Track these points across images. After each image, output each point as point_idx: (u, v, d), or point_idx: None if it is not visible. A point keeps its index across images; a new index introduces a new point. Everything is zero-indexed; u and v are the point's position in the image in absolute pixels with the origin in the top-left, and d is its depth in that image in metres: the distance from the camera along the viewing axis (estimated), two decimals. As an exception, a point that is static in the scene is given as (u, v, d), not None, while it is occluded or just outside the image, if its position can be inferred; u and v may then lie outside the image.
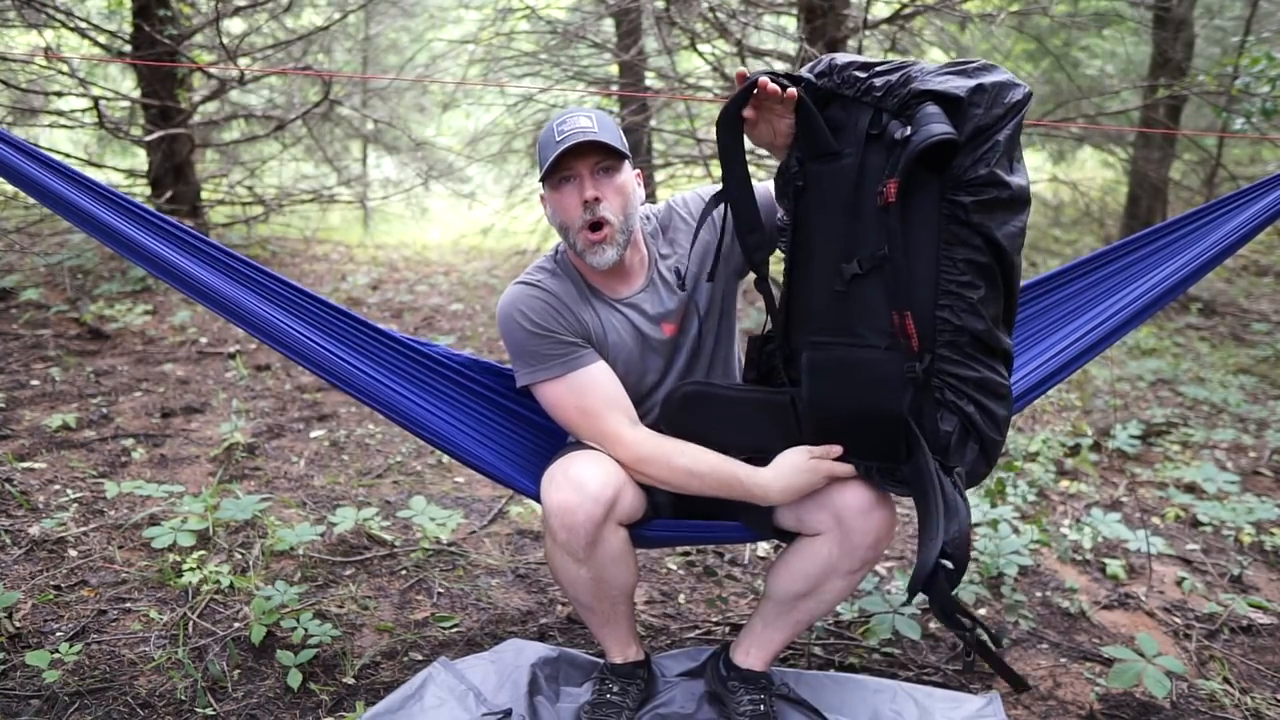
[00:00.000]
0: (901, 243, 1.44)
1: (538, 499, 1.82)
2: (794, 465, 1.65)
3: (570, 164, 1.69)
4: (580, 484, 1.63)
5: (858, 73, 1.48)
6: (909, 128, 1.39)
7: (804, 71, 1.54)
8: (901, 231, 1.44)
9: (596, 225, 1.69)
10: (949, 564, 1.46)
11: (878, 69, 1.48)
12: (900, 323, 1.46)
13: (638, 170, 1.83)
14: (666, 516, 1.85)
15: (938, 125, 1.36)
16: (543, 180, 1.75)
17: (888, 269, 1.46)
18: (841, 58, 1.52)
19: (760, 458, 1.70)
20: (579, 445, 1.79)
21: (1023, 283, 1.89)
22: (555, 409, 1.76)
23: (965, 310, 1.45)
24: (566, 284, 1.79)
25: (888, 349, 1.51)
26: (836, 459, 1.64)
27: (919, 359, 1.47)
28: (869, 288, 1.50)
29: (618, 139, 1.72)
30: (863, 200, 1.48)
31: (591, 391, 1.73)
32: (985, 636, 1.58)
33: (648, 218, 1.89)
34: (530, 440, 1.98)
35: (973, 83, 1.39)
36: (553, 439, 1.99)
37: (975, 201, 1.41)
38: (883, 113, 1.45)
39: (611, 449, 1.71)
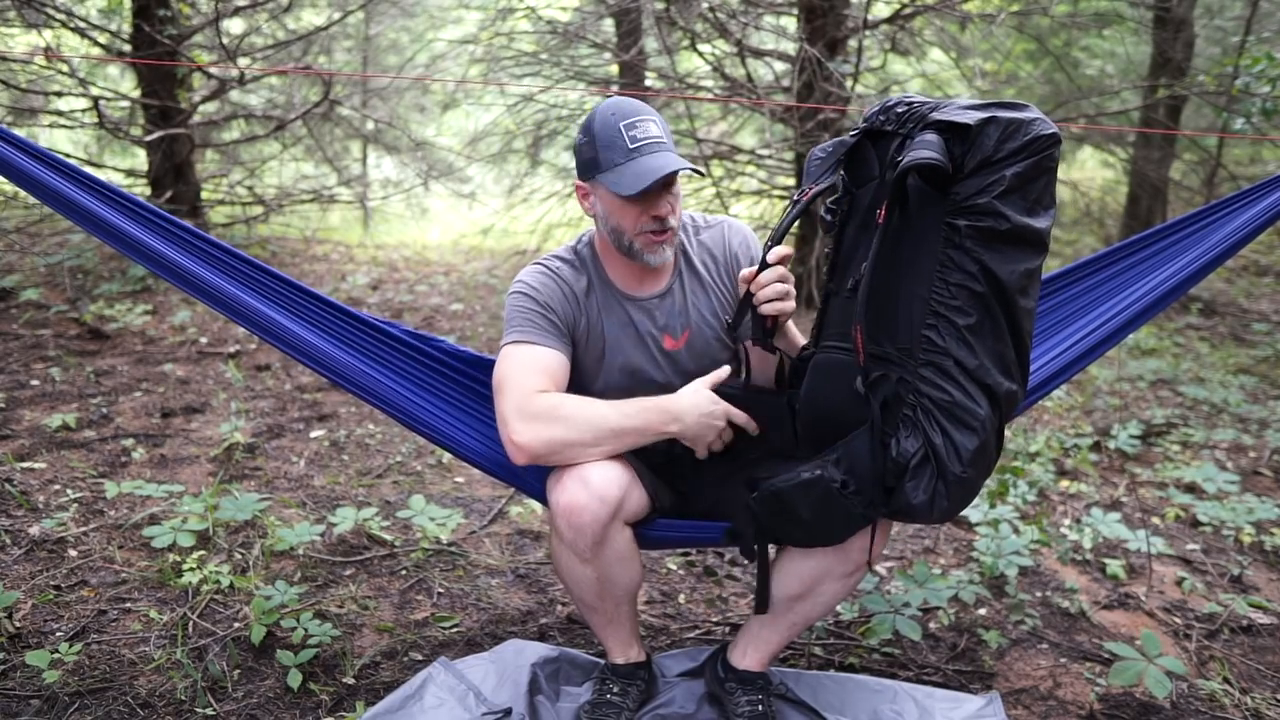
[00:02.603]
0: (887, 260, 1.48)
1: (541, 498, 1.82)
2: (701, 397, 1.70)
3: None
4: (587, 483, 1.63)
5: (899, 109, 1.55)
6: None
7: (869, 110, 1.63)
8: (894, 251, 1.48)
9: (661, 230, 1.72)
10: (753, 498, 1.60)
11: (917, 102, 1.54)
12: (854, 334, 1.50)
13: None
14: (669, 516, 1.85)
15: (924, 151, 1.40)
16: (594, 178, 1.71)
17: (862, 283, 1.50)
18: (897, 98, 1.58)
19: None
20: None
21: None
22: (502, 369, 1.71)
23: (952, 335, 1.46)
24: (581, 277, 1.81)
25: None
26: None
27: (864, 374, 1.51)
28: None
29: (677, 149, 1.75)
30: (871, 215, 1.55)
31: (536, 361, 1.71)
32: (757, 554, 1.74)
33: (691, 219, 1.93)
34: None
35: (986, 115, 1.42)
36: None
37: (970, 227, 1.43)
38: (905, 139, 1.51)
39: (508, 402, 1.64)
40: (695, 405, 1.69)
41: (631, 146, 1.66)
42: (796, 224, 1.67)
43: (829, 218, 1.66)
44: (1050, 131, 1.42)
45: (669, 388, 1.82)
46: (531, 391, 1.66)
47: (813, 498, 1.54)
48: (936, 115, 1.45)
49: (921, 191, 1.46)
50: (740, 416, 1.70)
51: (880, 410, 1.50)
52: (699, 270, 1.86)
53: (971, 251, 1.43)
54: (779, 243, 1.64)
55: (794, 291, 1.66)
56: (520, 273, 1.81)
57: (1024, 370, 1.52)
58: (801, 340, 1.83)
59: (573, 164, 2.06)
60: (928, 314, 1.46)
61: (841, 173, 1.63)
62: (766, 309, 1.64)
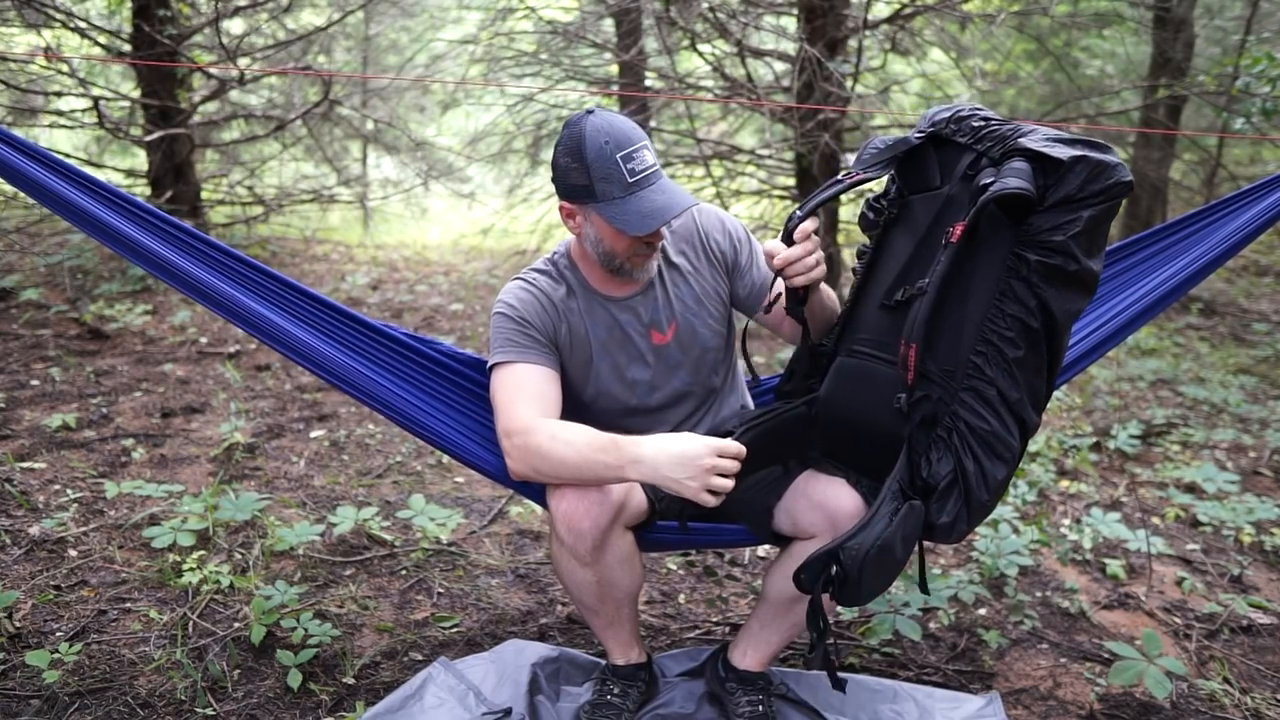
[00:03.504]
0: (951, 280, 1.46)
1: (540, 500, 1.82)
2: (670, 439, 1.53)
3: None
4: (588, 489, 1.63)
5: (975, 123, 1.53)
6: (995, 177, 1.42)
7: (935, 114, 1.61)
8: (958, 271, 1.46)
9: (651, 249, 1.72)
10: (837, 568, 1.44)
11: (995, 120, 1.52)
12: (905, 352, 1.47)
13: None
14: (669, 519, 1.85)
15: (1015, 180, 1.38)
16: (588, 204, 1.67)
17: (920, 300, 1.47)
18: (969, 109, 1.57)
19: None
20: None
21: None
22: (492, 393, 1.74)
23: (999, 365, 1.46)
24: (560, 287, 1.80)
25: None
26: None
27: (909, 393, 1.48)
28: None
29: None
30: (936, 231, 1.53)
31: (525, 383, 1.71)
32: (831, 647, 1.62)
33: None
34: None
35: (1078, 153, 1.40)
36: None
37: (1040, 262, 1.42)
38: (983, 157, 1.50)
39: (508, 438, 1.64)
40: (661, 446, 1.51)
41: (631, 180, 1.62)
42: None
43: (871, 215, 1.64)
44: (1129, 179, 1.42)
45: (663, 387, 1.82)
46: (516, 418, 1.65)
47: (905, 531, 1.48)
48: (1025, 143, 1.43)
49: (994, 217, 1.44)
50: (733, 447, 1.51)
51: (916, 429, 1.50)
52: (676, 261, 1.85)
53: (1036, 286, 1.42)
54: (811, 214, 1.57)
55: (824, 256, 1.62)
56: (501, 292, 1.81)
57: (1044, 404, 1.54)
58: (834, 298, 1.81)
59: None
60: (978, 341, 1.46)
61: (894, 173, 1.61)
62: (798, 280, 1.59)
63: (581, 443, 1.58)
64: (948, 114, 1.58)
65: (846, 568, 1.43)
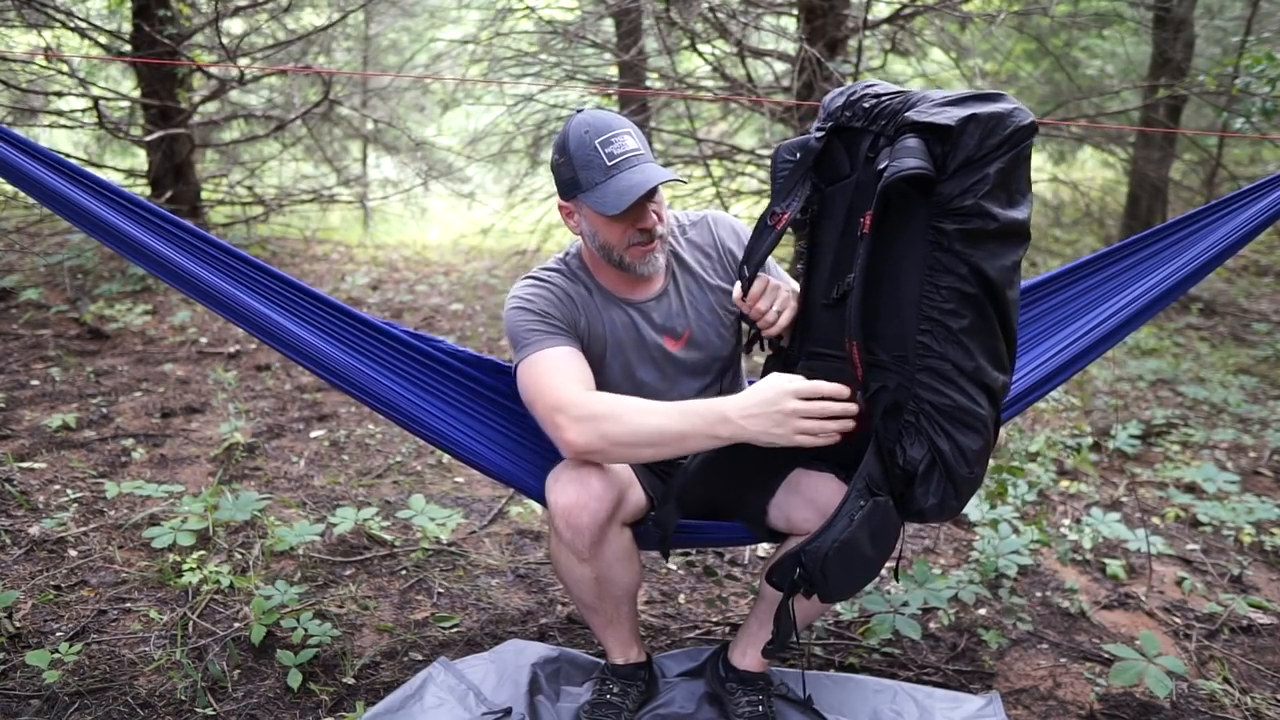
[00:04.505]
0: (876, 270, 1.46)
1: (539, 498, 1.82)
2: (755, 389, 1.50)
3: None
4: (587, 483, 1.63)
5: (867, 103, 1.51)
6: (889, 159, 1.41)
7: (830, 102, 1.59)
8: (881, 257, 1.45)
9: (649, 240, 1.71)
10: (800, 570, 1.47)
11: (885, 96, 1.50)
12: (849, 349, 1.47)
13: None
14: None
15: (910, 160, 1.36)
16: (576, 197, 1.68)
17: (852, 296, 1.47)
18: (861, 88, 1.54)
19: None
20: None
21: (1023, 284, 1.92)
22: (523, 385, 1.70)
23: (947, 338, 1.44)
24: (577, 285, 1.80)
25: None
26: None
27: (864, 389, 1.48)
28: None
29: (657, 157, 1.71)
30: (853, 221, 1.52)
31: (560, 364, 1.68)
32: (795, 642, 1.64)
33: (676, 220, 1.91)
34: (532, 440, 1.98)
35: (966, 113, 1.38)
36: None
37: (959, 230, 1.40)
38: (880, 137, 1.48)
39: (562, 413, 1.58)
40: (744, 400, 1.48)
41: (609, 164, 1.63)
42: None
43: (800, 216, 1.62)
44: (1029, 121, 1.40)
45: (670, 393, 1.81)
46: (572, 393, 1.61)
47: (873, 528, 1.48)
48: (913, 116, 1.41)
49: (904, 195, 1.43)
50: (828, 387, 1.46)
51: (881, 420, 1.50)
52: (693, 268, 1.85)
53: (961, 254, 1.40)
54: (759, 269, 1.62)
55: (788, 298, 1.65)
56: (513, 289, 1.79)
57: (1012, 358, 1.52)
58: None
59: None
60: (920, 320, 1.44)
61: (812, 182, 1.60)
62: (771, 332, 1.65)
63: (659, 408, 1.54)
64: (841, 100, 1.55)
65: (809, 569, 1.46)
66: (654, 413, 1.54)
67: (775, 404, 1.45)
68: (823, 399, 1.45)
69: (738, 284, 1.66)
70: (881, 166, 1.41)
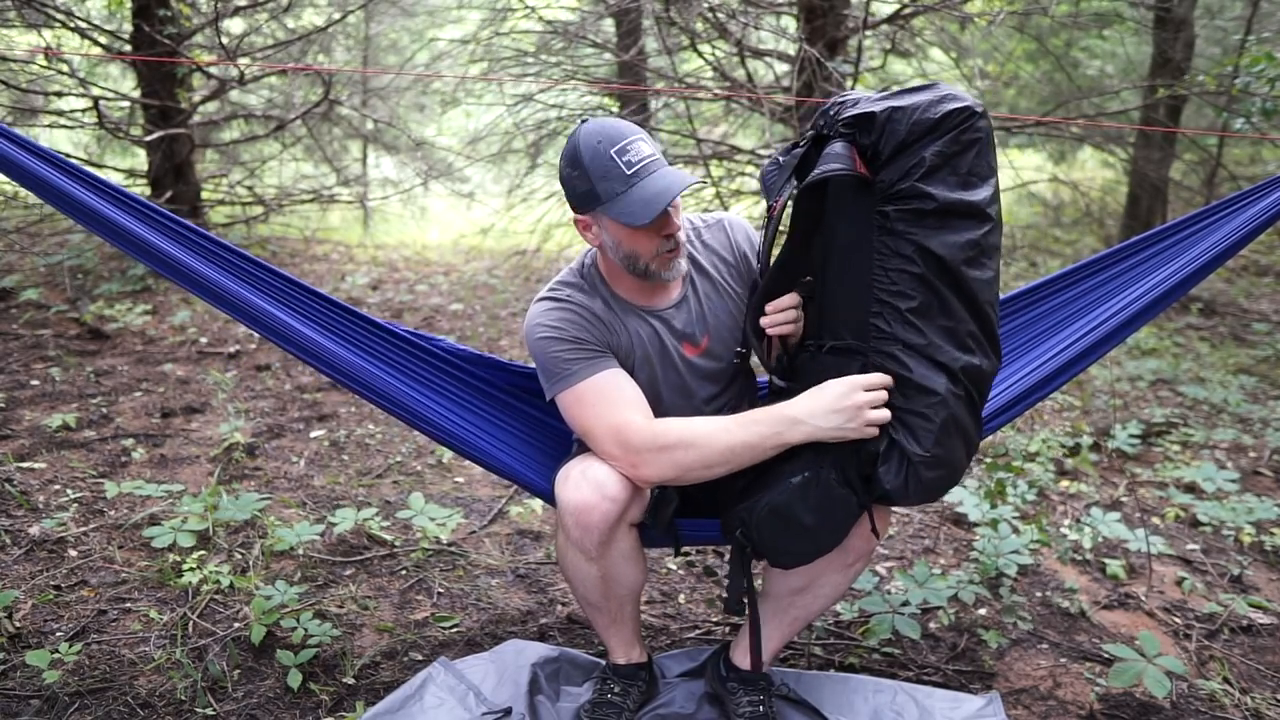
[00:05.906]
0: (826, 262, 1.56)
1: (545, 496, 1.82)
2: (819, 392, 1.53)
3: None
4: (598, 484, 1.63)
5: (831, 110, 1.58)
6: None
7: (817, 115, 1.67)
8: (834, 250, 1.55)
9: (675, 246, 1.71)
10: (740, 527, 1.61)
11: (841, 102, 1.57)
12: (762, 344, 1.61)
13: None
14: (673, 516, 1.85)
15: (825, 166, 1.47)
16: (595, 210, 1.65)
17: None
18: (838, 98, 1.60)
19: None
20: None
21: (1022, 286, 1.94)
22: (575, 416, 1.69)
23: (896, 318, 1.49)
24: (595, 299, 1.76)
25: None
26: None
27: (779, 368, 1.65)
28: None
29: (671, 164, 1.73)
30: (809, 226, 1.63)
31: (612, 392, 1.67)
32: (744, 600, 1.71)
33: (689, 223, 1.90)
34: (537, 438, 1.99)
35: (892, 104, 1.46)
36: (560, 438, 1.99)
37: (897, 211, 1.46)
38: (830, 141, 1.55)
39: (631, 449, 1.60)
40: (812, 403, 1.52)
41: (629, 172, 1.59)
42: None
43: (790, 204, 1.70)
44: (960, 106, 1.44)
45: (691, 399, 1.81)
46: (636, 426, 1.62)
47: (812, 500, 1.54)
48: (850, 112, 1.50)
49: (849, 186, 1.50)
50: (879, 378, 1.50)
51: None
52: (709, 272, 1.84)
53: (905, 234, 1.46)
54: (768, 264, 1.68)
55: (799, 315, 1.68)
56: (531, 314, 1.74)
57: (990, 341, 1.53)
58: None
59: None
60: (872, 303, 1.50)
61: (794, 181, 1.63)
62: (774, 332, 1.68)
63: (727, 425, 1.57)
64: (820, 111, 1.62)
65: (746, 525, 1.59)
66: (723, 431, 1.57)
67: (847, 398, 1.50)
68: (879, 389, 1.51)
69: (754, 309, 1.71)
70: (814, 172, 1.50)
